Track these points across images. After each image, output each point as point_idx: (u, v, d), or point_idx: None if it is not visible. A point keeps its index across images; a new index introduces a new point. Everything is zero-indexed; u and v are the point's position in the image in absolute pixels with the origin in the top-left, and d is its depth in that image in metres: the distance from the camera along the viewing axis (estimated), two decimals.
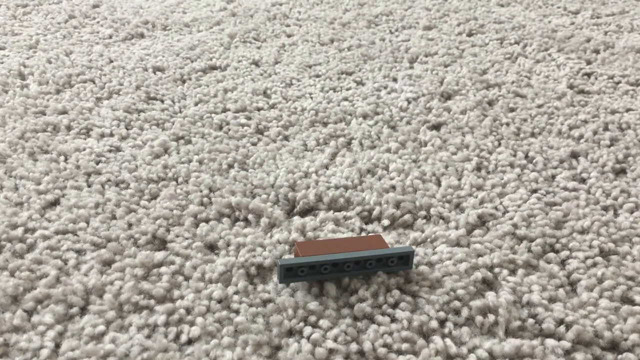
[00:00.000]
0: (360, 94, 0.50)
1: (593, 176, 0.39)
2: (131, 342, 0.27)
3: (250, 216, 0.36)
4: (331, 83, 0.52)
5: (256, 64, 0.55)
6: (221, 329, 0.28)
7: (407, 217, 0.36)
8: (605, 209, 0.37)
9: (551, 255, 0.33)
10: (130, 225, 0.34)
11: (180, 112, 0.47)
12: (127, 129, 0.44)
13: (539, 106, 0.48)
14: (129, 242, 0.33)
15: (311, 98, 0.49)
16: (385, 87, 0.51)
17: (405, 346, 0.28)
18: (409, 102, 0.48)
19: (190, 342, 0.28)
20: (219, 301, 0.30)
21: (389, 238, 0.34)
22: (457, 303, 0.30)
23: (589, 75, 0.53)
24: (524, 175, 0.40)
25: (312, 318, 0.29)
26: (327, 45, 0.59)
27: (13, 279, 0.30)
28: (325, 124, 0.46)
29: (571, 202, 0.37)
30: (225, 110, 0.47)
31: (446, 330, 0.28)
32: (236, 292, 0.30)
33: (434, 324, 0.29)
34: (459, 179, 0.39)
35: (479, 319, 0.29)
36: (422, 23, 0.64)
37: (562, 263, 0.33)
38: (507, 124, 0.45)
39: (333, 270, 0.30)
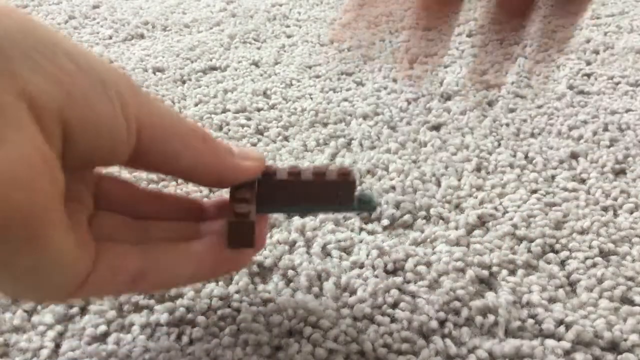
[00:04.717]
0: (360, 94, 0.50)
1: (593, 177, 0.39)
2: (134, 344, 0.27)
3: None
4: (331, 84, 0.52)
5: (256, 64, 0.55)
6: (223, 328, 0.28)
7: (407, 217, 0.36)
8: (605, 209, 0.37)
9: (551, 255, 0.33)
10: None
11: (181, 112, 0.47)
12: None
13: (539, 107, 0.48)
14: None
15: (311, 98, 0.49)
16: (385, 88, 0.51)
17: (405, 346, 0.28)
18: (409, 103, 0.48)
19: (191, 342, 0.28)
20: (220, 299, 0.30)
21: (389, 238, 0.34)
22: (456, 303, 0.30)
23: (588, 75, 0.53)
24: (524, 175, 0.40)
25: (312, 318, 0.29)
26: (327, 45, 0.59)
27: None
28: (325, 125, 0.46)
29: (571, 203, 0.37)
30: (225, 110, 0.47)
31: (446, 331, 0.28)
32: (237, 291, 0.30)
33: (434, 324, 0.29)
34: (459, 180, 0.39)
35: (478, 319, 0.29)
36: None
37: (562, 263, 0.33)
38: (507, 125, 0.45)
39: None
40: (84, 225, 0.23)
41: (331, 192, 0.27)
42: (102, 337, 0.28)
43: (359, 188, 0.31)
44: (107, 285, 0.23)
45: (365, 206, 0.28)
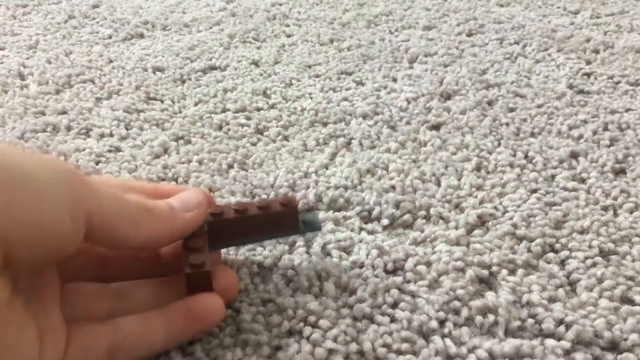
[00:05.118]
0: (360, 94, 0.50)
1: (593, 176, 0.39)
2: None
3: None
4: (331, 83, 0.52)
5: (256, 64, 0.55)
6: (223, 328, 0.28)
7: (406, 217, 0.36)
8: (605, 209, 0.37)
9: (551, 255, 0.33)
10: None
11: (180, 112, 0.47)
12: (126, 129, 0.44)
13: (539, 106, 0.48)
14: None
15: (311, 98, 0.49)
16: (385, 87, 0.51)
17: (405, 346, 0.28)
18: (409, 102, 0.48)
19: (191, 342, 0.28)
20: None
21: (389, 238, 0.34)
22: (456, 303, 0.30)
23: (588, 75, 0.53)
24: (524, 175, 0.40)
25: (312, 318, 0.29)
26: (327, 45, 0.59)
27: None
28: (325, 124, 0.46)
29: (571, 202, 0.37)
30: (225, 110, 0.47)
31: (446, 330, 0.28)
32: (238, 291, 0.30)
33: (434, 324, 0.29)
34: (459, 179, 0.39)
35: (478, 319, 0.29)
36: (422, 23, 0.64)
37: (562, 263, 0.33)
38: (507, 124, 0.45)
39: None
40: (55, 312, 0.24)
41: (277, 221, 0.29)
42: None
43: (308, 213, 0.33)
44: None
45: (311, 227, 0.31)
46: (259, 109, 0.47)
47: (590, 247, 0.34)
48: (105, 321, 0.25)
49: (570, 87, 0.51)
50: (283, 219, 0.29)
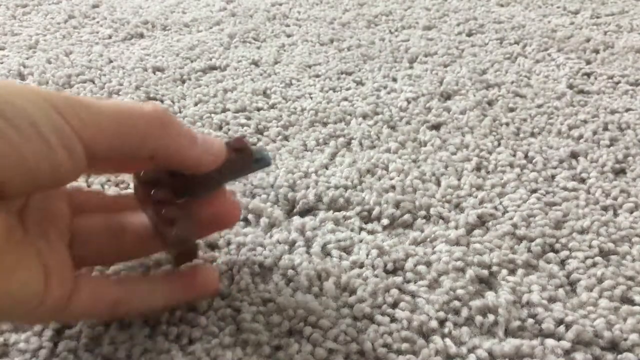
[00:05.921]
0: (360, 94, 0.50)
1: (593, 176, 0.39)
2: (132, 343, 0.27)
3: (250, 216, 0.36)
4: (331, 83, 0.52)
5: (256, 64, 0.55)
6: (223, 328, 0.28)
7: (406, 216, 0.36)
8: (605, 209, 0.37)
9: (551, 255, 0.33)
10: None
11: (180, 112, 0.47)
12: None
13: (539, 106, 0.48)
14: None
15: (311, 98, 0.49)
16: (385, 87, 0.51)
17: (405, 346, 0.28)
18: (409, 102, 0.48)
19: (191, 342, 0.28)
20: (221, 299, 0.30)
21: (388, 238, 0.34)
22: (456, 303, 0.30)
23: (588, 75, 0.53)
24: (524, 175, 0.40)
25: (312, 318, 0.29)
26: (327, 45, 0.59)
27: None
28: (325, 124, 0.46)
29: (571, 202, 0.37)
30: (225, 110, 0.47)
31: (446, 330, 0.29)
32: (239, 291, 0.30)
33: (434, 323, 0.29)
34: (459, 179, 0.39)
35: (478, 318, 0.29)
36: (422, 23, 0.64)
37: (562, 263, 0.33)
38: (507, 124, 0.45)
39: None
40: (62, 250, 0.25)
41: (233, 167, 0.29)
42: (101, 338, 0.28)
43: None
44: (89, 310, 0.26)
45: (262, 163, 0.30)
46: (259, 109, 0.47)
47: (590, 247, 0.34)
48: (116, 275, 0.27)
49: (570, 87, 0.51)
50: (239, 163, 0.30)
